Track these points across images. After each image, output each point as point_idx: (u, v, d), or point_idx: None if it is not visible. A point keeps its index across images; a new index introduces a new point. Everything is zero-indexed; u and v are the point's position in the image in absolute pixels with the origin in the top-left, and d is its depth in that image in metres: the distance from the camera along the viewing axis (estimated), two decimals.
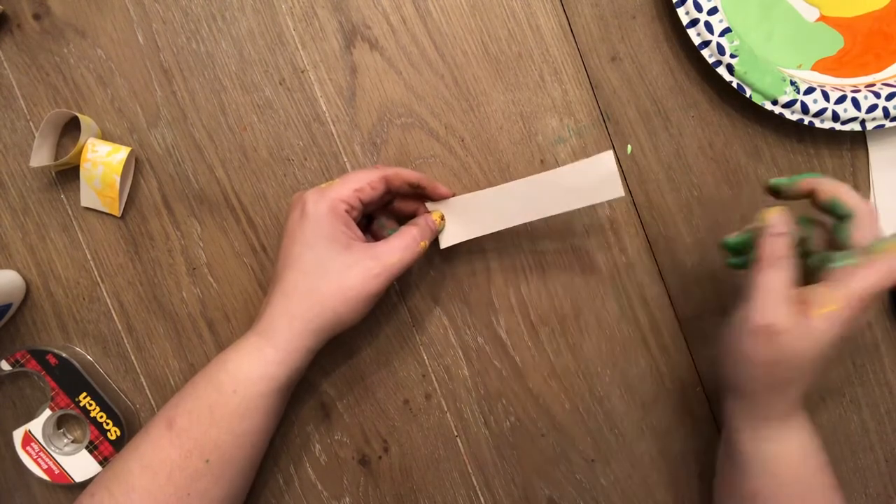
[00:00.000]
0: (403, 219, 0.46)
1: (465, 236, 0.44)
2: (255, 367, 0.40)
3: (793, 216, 0.38)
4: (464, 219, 0.44)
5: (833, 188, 0.38)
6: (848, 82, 0.47)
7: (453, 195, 0.44)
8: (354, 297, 0.40)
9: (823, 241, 0.40)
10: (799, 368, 0.36)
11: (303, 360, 0.41)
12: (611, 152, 0.39)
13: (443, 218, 0.44)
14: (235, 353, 0.41)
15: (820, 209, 0.39)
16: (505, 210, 0.43)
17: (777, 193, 0.41)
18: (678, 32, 0.47)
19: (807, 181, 0.39)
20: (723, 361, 0.40)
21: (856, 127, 0.46)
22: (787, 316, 0.36)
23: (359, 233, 0.42)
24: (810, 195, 0.39)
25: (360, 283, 0.40)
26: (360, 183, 0.41)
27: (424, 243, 0.42)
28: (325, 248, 0.40)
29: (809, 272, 0.39)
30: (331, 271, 0.40)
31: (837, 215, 0.38)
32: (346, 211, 0.41)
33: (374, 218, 0.46)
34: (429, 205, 0.45)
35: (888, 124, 0.46)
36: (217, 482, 0.39)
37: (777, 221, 0.37)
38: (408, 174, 0.43)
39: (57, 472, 0.47)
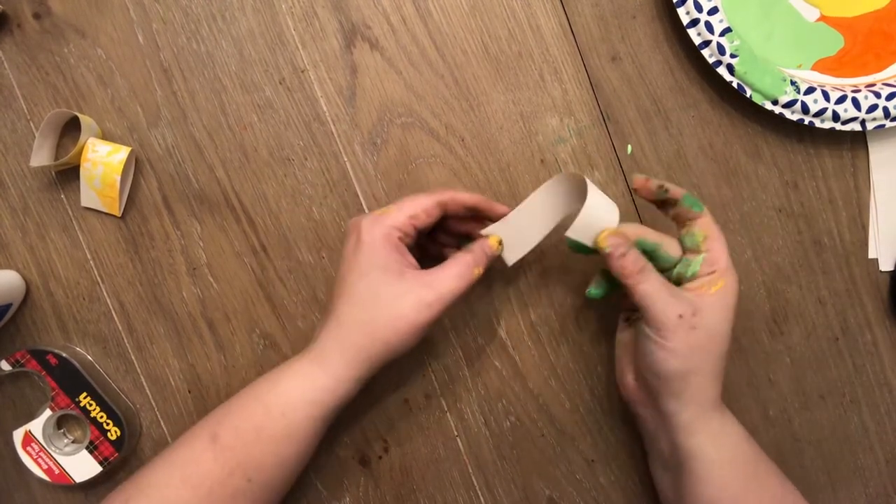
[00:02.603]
0: (462, 237, 0.45)
1: (527, 247, 0.43)
2: (305, 391, 0.40)
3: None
4: (519, 232, 0.43)
5: (638, 233, 0.41)
6: (848, 82, 0.47)
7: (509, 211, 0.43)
8: (406, 327, 0.39)
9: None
10: (723, 341, 0.40)
11: (352, 390, 0.41)
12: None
13: (500, 243, 0.42)
14: (286, 374, 0.41)
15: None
16: (548, 211, 0.42)
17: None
18: (678, 32, 0.47)
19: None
20: (657, 374, 0.40)
21: (856, 127, 0.46)
22: (687, 302, 0.39)
23: (412, 260, 0.41)
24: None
25: (413, 312, 0.39)
26: (415, 210, 0.41)
27: (479, 270, 0.41)
28: (378, 277, 0.39)
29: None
30: (383, 301, 0.39)
31: (647, 254, 0.41)
32: (400, 238, 0.40)
33: (433, 237, 0.46)
34: (484, 230, 0.43)
35: (888, 124, 0.46)
36: (255, 502, 0.40)
37: (613, 244, 0.39)
38: (464, 197, 0.42)
39: (57, 472, 0.47)
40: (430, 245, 0.46)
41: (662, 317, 0.38)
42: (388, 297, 0.39)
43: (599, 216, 0.39)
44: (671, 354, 0.39)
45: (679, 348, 0.39)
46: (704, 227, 0.41)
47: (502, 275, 0.48)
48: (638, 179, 0.41)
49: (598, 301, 0.48)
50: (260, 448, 0.39)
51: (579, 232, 0.39)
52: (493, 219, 0.43)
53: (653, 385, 0.41)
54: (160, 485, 0.39)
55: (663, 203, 0.42)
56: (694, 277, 0.41)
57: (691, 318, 0.38)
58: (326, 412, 0.40)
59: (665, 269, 0.42)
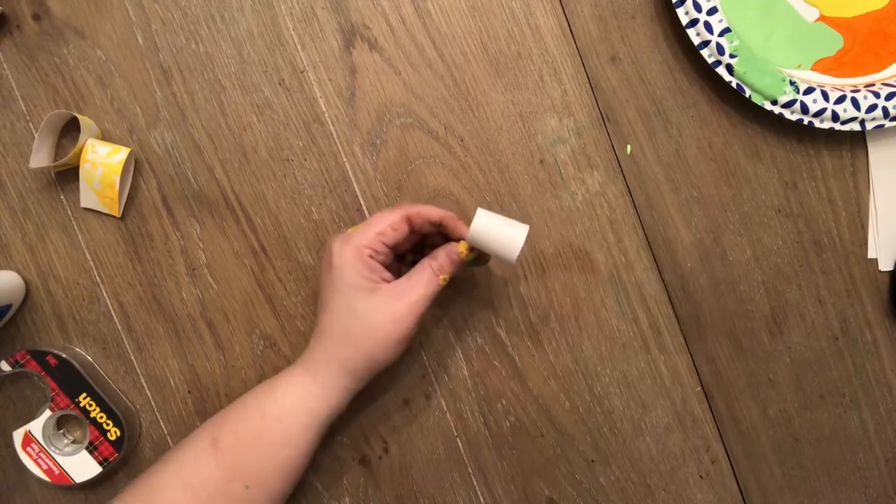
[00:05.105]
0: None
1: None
2: (299, 399, 0.41)
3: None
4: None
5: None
6: (847, 82, 0.47)
7: None
8: (385, 339, 0.40)
9: None
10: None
11: (342, 399, 0.42)
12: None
13: (471, 249, 0.42)
14: (282, 382, 0.42)
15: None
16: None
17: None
18: (678, 32, 0.47)
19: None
20: None
21: (855, 127, 0.46)
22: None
23: (386, 274, 0.42)
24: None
25: (388, 324, 0.40)
26: (382, 226, 0.41)
27: (445, 277, 0.42)
28: (351, 294, 0.40)
29: None
30: (359, 316, 0.40)
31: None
32: (371, 256, 0.41)
33: (422, 255, 0.45)
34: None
35: (888, 124, 0.46)
36: None
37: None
38: (429, 212, 0.42)
39: (57, 472, 0.47)
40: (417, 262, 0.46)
41: None
42: (362, 311, 0.40)
43: (492, 235, 0.41)
44: None
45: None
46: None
47: (502, 274, 0.48)
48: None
49: (604, 298, 0.48)
50: (258, 453, 0.40)
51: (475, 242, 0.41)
52: (454, 237, 0.43)
53: None
54: (161, 488, 0.39)
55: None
56: None
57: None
58: (320, 420, 0.41)
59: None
